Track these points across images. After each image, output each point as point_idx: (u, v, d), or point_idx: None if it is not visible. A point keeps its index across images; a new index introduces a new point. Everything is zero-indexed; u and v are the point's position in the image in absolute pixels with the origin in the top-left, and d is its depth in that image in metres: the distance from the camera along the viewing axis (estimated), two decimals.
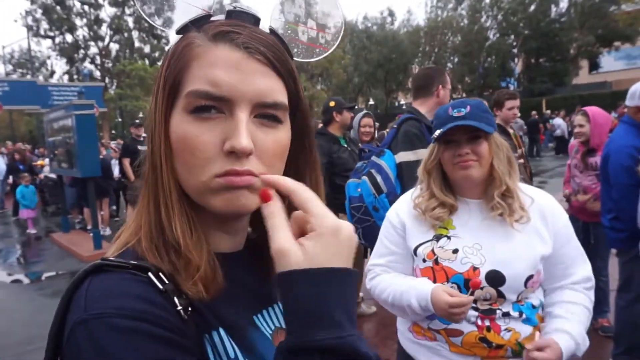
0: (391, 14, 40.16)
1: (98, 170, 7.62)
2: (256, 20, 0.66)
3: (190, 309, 0.58)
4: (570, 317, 1.47)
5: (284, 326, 0.66)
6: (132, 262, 0.58)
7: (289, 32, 0.74)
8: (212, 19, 0.64)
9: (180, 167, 0.62)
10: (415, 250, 1.58)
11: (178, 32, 0.65)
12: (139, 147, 7.95)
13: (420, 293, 1.46)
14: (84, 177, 7.50)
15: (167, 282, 0.58)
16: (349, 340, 0.51)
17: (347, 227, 0.57)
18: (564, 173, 4.39)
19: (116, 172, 9.89)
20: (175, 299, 0.57)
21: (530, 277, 1.45)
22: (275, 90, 0.62)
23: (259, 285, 0.73)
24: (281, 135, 0.65)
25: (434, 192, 1.59)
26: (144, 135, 8.31)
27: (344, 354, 0.50)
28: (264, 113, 0.62)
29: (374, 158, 2.81)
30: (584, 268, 1.59)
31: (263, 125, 0.62)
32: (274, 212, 0.58)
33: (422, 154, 2.61)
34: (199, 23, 0.64)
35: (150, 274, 0.57)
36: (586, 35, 31.69)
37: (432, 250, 1.54)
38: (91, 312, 0.52)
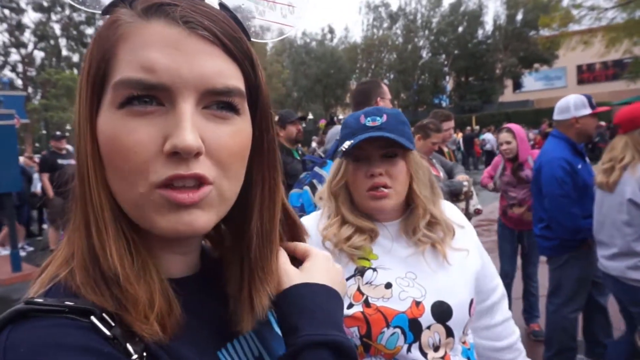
0: (331, 31, 40.99)
1: (18, 185, 7.03)
2: None
3: (145, 354, 0.47)
4: None
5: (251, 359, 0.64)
6: (69, 303, 0.45)
7: (243, 6, 0.60)
8: None
9: (112, 176, 0.49)
10: None
11: (105, 12, 0.52)
12: (59, 161, 7.52)
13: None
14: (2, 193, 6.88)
15: (113, 325, 0.46)
16: (350, 342, 0.59)
17: (330, 259, 0.70)
18: None
19: (39, 187, 9.22)
20: (129, 346, 0.45)
21: (471, 302, 1.24)
22: (226, 74, 0.50)
23: (220, 314, 0.61)
24: (239, 129, 0.53)
25: (345, 218, 1.29)
26: (66, 148, 7.83)
27: (348, 351, 0.57)
28: (215, 102, 0.51)
29: (316, 169, 2.80)
30: (497, 277, 1.40)
31: (215, 117, 0.51)
32: (280, 254, 0.66)
33: None
34: None
35: (93, 317, 0.45)
36: (509, 56, 34.07)
37: (359, 289, 1.21)
38: None
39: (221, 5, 0.56)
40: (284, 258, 0.65)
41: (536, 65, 34.19)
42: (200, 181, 0.49)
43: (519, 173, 3.93)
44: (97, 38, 0.51)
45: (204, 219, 0.50)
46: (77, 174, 0.51)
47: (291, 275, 0.62)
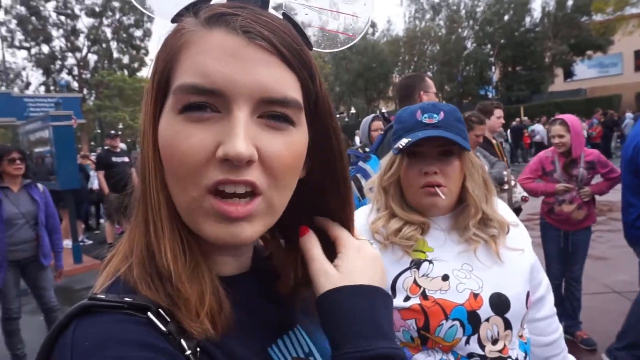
0: (373, 24, 40.63)
1: (77, 182, 7.46)
2: (264, 2, 0.55)
3: (198, 350, 0.49)
4: None
5: (301, 356, 0.63)
6: (128, 299, 0.48)
7: (306, 15, 0.61)
8: (211, 2, 0.54)
9: (170, 179, 0.52)
10: (392, 286, 1.21)
11: (173, 21, 0.54)
12: (113, 159, 7.87)
13: None
14: (63, 190, 7.32)
15: (169, 320, 0.48)
16: (400, 351, 0.54)
17: (368, 246, 0.62)
18: None
19: (95, 184, 9.73)
20: (183, 342, 0.47)
21: (528, 294, 1.22)
22: (283, 84, 0.51)
23: (271, 310, 0.63)
24: (294, 141, 0.53)
25: (394, 212, 1.29)
26: (120, 146, 8.20)
27: None
28: (271, 112, 0.51)
29: (360, 163, 2.84)
30: (543, 272, 1.39)
31: (270, 127, 0.51)
32: (310, 241, 0.61)
33: None
34: (196, 7, 0.53)
35: (149, 313, 0.48)
36: (560, 44, 32.54)
37: (415, 282, 1.20)
38: None
39: (284, 15, 0.56)
40: (318, 251, 0.60)
41: (589, 52, 32.50)
42: (251, 188, 0.50)
43: (571, 170, 3.64)
44: (164, 45, 0.54)
45: (250, 231, 0.52)
46: (140, 173, 0.54)
47: (329, 276, 0.57)
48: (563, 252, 3.80)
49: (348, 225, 0.64)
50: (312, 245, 0.61)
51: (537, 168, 3.85)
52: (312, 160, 0.60)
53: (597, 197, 3.73)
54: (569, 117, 3.70)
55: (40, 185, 4.08)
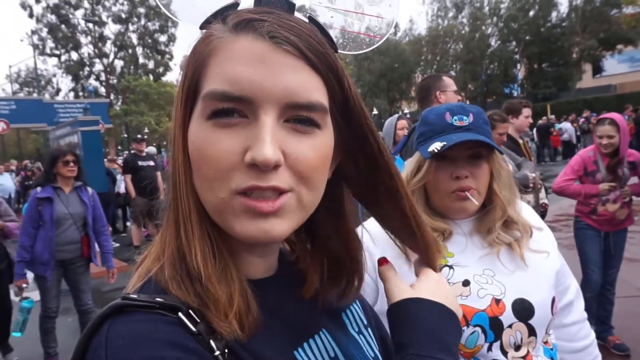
0: (395, 25, 40.41)
1: (105, 185, 7.65)
2: (290, 6, 0.56)
3: (227, 351, 0.50)
4: None
5: (327, 359, 0.64)
6: (159, 299, 0.49)
7: (332, 17, 0.62)
8: (239, 8, 0.55)
9: (198, 182, 0.53)
10: None
11: (202, 27, 0.56)
12: (140, 163, 8.02)
13: None
14: None
15: (198, 321, 0.49)
16: None
17: (447, 283, 0.68)
18: None
19: (122, 187, 9.96)
20: (212, 342, 0.48)
21: (553, 300, 1.19)
22: (309, 88, 0.51)
23: (297, 314, 0.63)
24: (319, 143, 0.54)
25: None
26: (146, 150, 8.36)
27: None
28: (297, 116, 0.52)
29: None
30: (572, 276, 1.36)
31: (296, 132, 0.52)
32: (389, 269, 0.67)
33: None
34: (224, 14, 0.54)
35: (180, 313, 0.49)
36: (588, 39, 31.69)
37: None
38: None
39: (310, 18, 0.57)
40: (394, 275, 0.66)
41: (619, 46, 31.52)
42: (278, 192, 0.51)
43: (616, 170, 3.52)
44: (192, 52, 0.55)
45: (281, 227, 0.52)
46: (170, 177, 0.56)
47: (402, 290, 0.63)
48: (602, 255, 3.66)
49: (415, 225, 0.67)
50: (390, 271, 0.67)
51: (579, 168, 3.70)
52: (356, 158, 0.62)
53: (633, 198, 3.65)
54: (617, 117, 3.57)
55: (89, 189, 4.19)
